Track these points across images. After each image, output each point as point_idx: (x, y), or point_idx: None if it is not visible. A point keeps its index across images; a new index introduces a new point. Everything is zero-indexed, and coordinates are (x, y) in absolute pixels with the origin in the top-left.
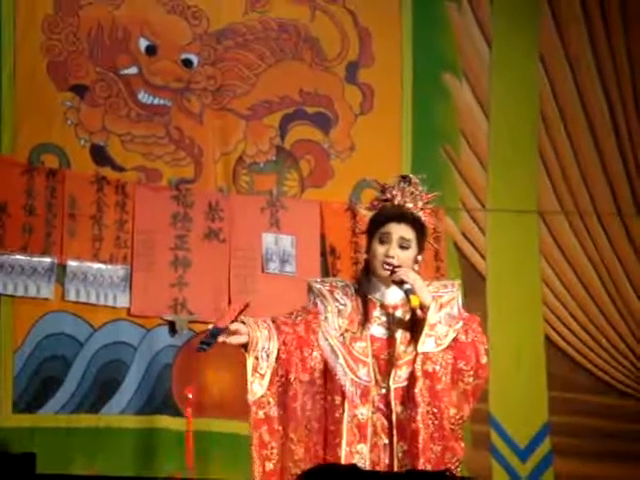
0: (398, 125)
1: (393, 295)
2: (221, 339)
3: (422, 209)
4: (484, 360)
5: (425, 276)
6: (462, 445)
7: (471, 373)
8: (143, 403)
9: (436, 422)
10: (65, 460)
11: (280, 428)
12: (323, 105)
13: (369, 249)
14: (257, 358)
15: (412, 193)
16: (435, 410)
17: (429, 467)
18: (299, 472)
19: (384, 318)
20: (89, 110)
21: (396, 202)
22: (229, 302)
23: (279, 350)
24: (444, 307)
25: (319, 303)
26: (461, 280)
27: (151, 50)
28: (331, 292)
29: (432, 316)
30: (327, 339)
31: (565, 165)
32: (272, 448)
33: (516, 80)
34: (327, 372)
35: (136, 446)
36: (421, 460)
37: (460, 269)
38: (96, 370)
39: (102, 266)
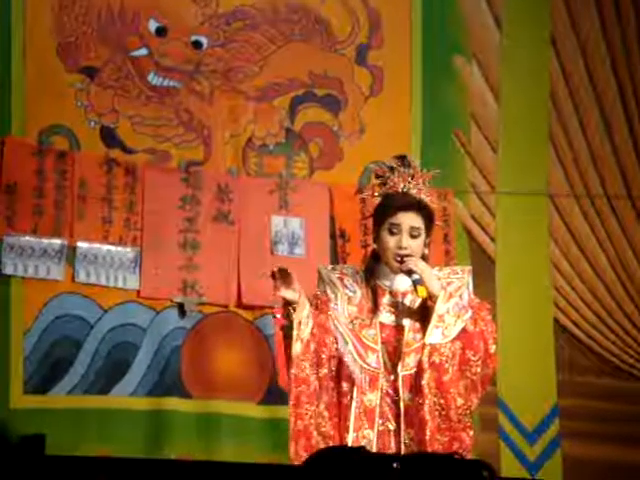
0: (408, 107)
1: (402, 282)
2: (277, 283)
3: (427, 194)
4: (493, 349)
5: (434, 259)
6: (470, 434)
7: (479, 363)
8: (153, 385)
9: (443, 413)
10: (75, 441)
11: (314, 399)
12: (333, 87)
13: (377, 238)
14: (300, 323)
15: (413, 176)
16: (442, 401)
17: None
18: (323, 446)
19: (393, 305)
20: (99, 92)
21: (399, 189)
22: (238, 284)
23: (312, 327)
24: (453, 296)
25: (329, 291)
26: (470, 263)
27: (161, 32)
28: (341, 279)
29: (440, 306)
30: (337, 326)
31: (575, 148)
32: (307, 410)
33: (527, 63)
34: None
35: (145, 428)
36: (428, 449)
37: (469, 252)
38: (106, 352)
39: (112, 248)
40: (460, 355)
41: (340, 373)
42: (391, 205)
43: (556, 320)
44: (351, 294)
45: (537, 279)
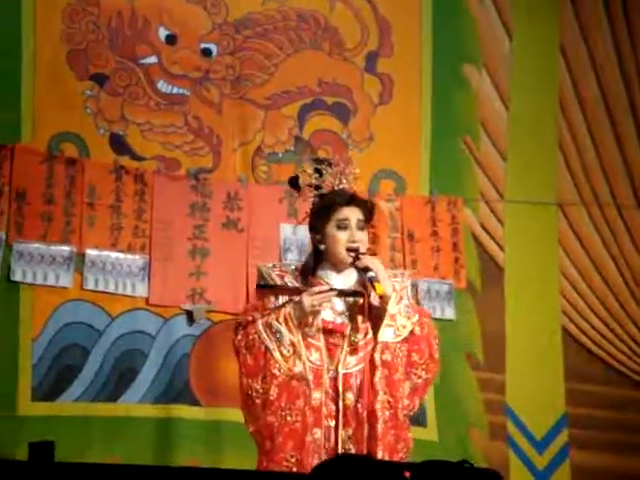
0: (417, 116)
1: (345, 280)
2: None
3: (354, 188)
4: (436, 355)
5: (444, 267)
6: (410, 436)
7: (423, 367)
8: (161, 392)
9: (391, 411)
10: (83, 448)
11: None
12: (342, 95)
13: (323, 236)
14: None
15: (342, 172)
16: (391, 399)
17: (387, 453)
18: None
19: (335, 303)
20: (108, 99)
21: (334, 187)
22: (247, 292)
23: None
24: (403, 298)
25: (268, 291)
26: (479, 271)
27: (171, 39)
28: (281, 277)
29: (393, 307)
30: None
31: (585, 156)
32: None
33: (536, 71)
34: None
35: (154, 435)
36: (380, 447)
37: (478, 260)
38: (114, 359)
39: (121, 255)
40: (406, 357)
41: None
42: (334, 201)
43: (565, 328)
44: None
45: (546, 287)
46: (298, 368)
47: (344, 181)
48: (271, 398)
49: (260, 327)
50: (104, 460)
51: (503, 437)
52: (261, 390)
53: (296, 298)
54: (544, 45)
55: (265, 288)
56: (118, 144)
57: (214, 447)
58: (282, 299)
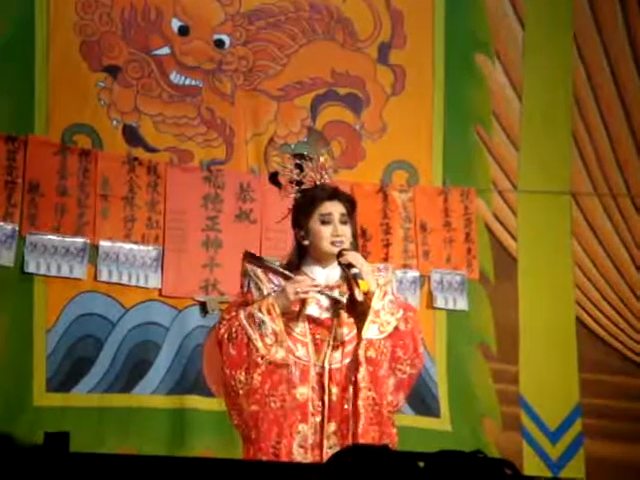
0: (430, 106)
1: (329, 276)
2: None
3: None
4: (421, 350)
5: (457, 258)
6: (394, 432)
7: (408, 362)
8: (174, 383)
9: (376, 408)
10: (97, 439)
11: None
12: (355, 86)
13: (307, 232)
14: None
15: (323, 166)
16: (375, 396)
17: None
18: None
19: (321, 298)
20: (121, 91)
21: (316, 182)
22: None
23: None
24: (387, 294)
25: (252, 286)
26: (492, 261)
27: (183, 31)
28: (265, 273)
29: (377, 303)
30: None
31: (598, 147)
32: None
33: (549, 61)
34: None
35: (167, 426)
36: (360, 442)
37: (491, 251)
38: (128, 350)
39: (134, 247)
40: (391, 353)
41: (272, 368)
42: (317, 196)
43: (578, 318)
44: (277, 288)
45: (559, 278)
46: (280, 355)
47: (325, 176)
48: (254, 387)
49: (242, 318)
50: (118, 451)
51: (516, 428)
52: (244, 380)
53: (279, 286)
54: (557, 34)
55: (254, 259)
56: (131, 135)
57: (228, 438)
58: (266, 287)
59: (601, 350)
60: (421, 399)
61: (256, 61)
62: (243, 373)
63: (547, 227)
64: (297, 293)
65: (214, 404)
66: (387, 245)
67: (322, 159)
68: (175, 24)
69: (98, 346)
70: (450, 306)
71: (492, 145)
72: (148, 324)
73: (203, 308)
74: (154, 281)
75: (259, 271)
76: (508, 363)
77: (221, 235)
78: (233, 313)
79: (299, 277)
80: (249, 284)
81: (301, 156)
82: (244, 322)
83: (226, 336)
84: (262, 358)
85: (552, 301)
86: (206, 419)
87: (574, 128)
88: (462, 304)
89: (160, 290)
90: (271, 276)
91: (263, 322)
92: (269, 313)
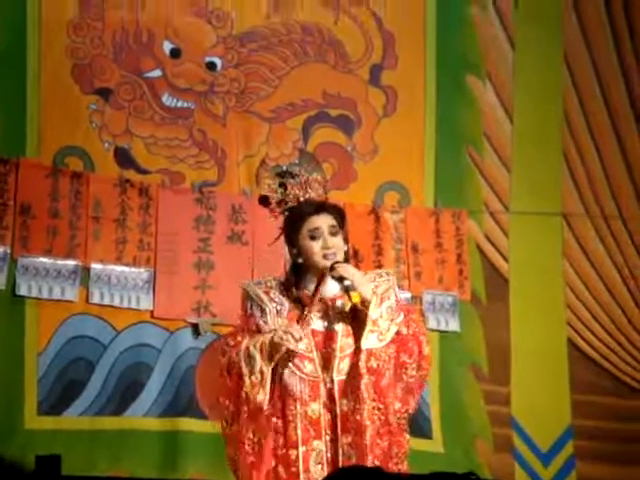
0: (421, 128)
1: (330, 288)
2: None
3: (324, 195)
4: (426, 351)
5: (448, 279)
6: (407, 438)
7: (414, 366)
8: (167, 405)
9: (382, 418)
10: (88, 462)
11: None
12: (346, 108)
13: (299, 249)
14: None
15: (307, 181)
16: (381, 406)
17: (377, 463)
18: None
19: (323, 312)
20: (113, 113)
21: (301, 198)
22: None
23: None
24: (385, 300)
25: (255, 308)
26: (483, 282)
27: (175, 53)
28: (267, 293)
29: (374, 311)
30: None
31: (590, 168)
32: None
33: (540, 82)
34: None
35: (160, 448)
36: (369, 457)
37: (483, 272)
38: (120, 372)
39: (126, 269)
40: (395, 358)
41: (281, 390)
42: (303, 213)
43: (570, 339)
44: (279, 307)
45: (551, 299)
46: (260, 397)
47: (309, 190)
48: (242, 431)
49: (242, 350)
50: (110, 474)
51: (508, 449)
52: (233, 409)
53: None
54: (548, 56)
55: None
56: (123, 158)
57: (220, 461)
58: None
59: (592, 371)
60: (413, 420)
61: (248, 83)
62: (232, 405)
63: (539, 248)
64: (279, 341)
65: (207, 426)
66: (379, 266)
67: (306, 175)
68: (167, 46)
69: (90, 369)
70: (442, 327)
71: (484, 166)
72: (140, 346)
73: (195, 330)
74: (146, 303)
75: (260, 291)
76: (500, 384)
77: (213, 257)
78: (232, 343)
79: (291, 328)
80: (251, 307)
81: (283, 174)
82: (241, 355)
83: (226, 367)
84: (245, 396)
85: (543, 322)
86: (199, 442)
87: (565, 149)
88: (454, 325)
89: (152, 312)
90: (272, 295)
91: (254, 359)
92: (260, 351)
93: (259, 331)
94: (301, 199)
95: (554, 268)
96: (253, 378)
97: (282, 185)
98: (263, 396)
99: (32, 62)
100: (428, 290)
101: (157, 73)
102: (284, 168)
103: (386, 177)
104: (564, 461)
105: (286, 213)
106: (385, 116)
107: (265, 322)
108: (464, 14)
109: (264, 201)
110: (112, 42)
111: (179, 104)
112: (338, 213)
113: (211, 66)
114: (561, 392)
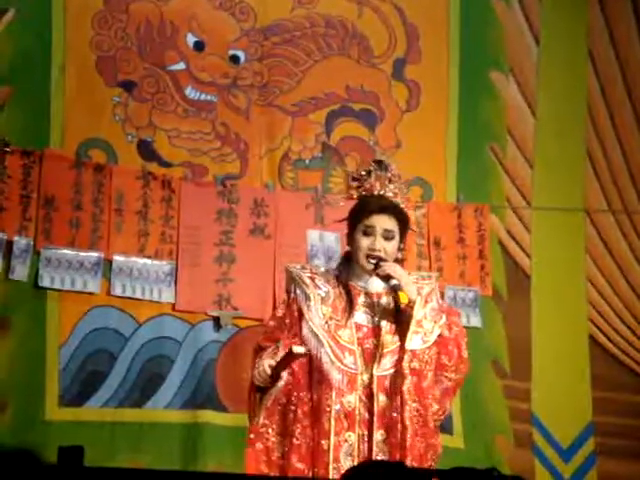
0: (444, 122)
1: (377, 283)
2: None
3: (403, 199)
4: (465, 354)
5: (470, 275)
6: (439, 441)
7: (453, 368)
8: (187, 398)
9: (421, 419)
10: (109, 454)
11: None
12: (369, 102)
13: (351, 239)
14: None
15: (390, 179)
16: (420, 407)
17: (415, 462)
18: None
19: (369, 306)
20: (137, 106)
21: (376, 192)
22: (274, 298)
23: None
24: (428, 302)
25: (299, 291)
26: (505, 278)
27: (199, 46)
28: (312, 279)
29: (418, 312)
30: (312, 328)
31: (613, 163)
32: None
33: (564, 77)
34: (311, 366)
35: (180, 440)
36: (409, 457)
37: (504, 267)
38: (141, 365)
39: (148, 261)
40: (436, 360)
41: (318, 377)
42: (366, 207)
43: (591, 336)
44: (323, 294)
45: (573, 295)
46: (257, 419)
47: (387, 189)
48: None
49: (258, 365)
50: (130, 466)
51: (529, 445)
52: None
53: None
54: (572, 51)
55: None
56: (146, 150)
57: (240, 453)
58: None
59: (614, 368)
60: None
61: (271, 76)
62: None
63: (561, 244)
64: (265, 369)
65: (227, 419)
66: (401, 261)
67: (389, 174)
68: (190, 39)
69: (111, 360)
70: (463, 323)
71: (506, 161)
72: (161, 339)
73: (216, 323)
74: (167, 296)
75: (305, 276)
76: (520, 380)
77: (235, 250)
78: (264, 345)
79: (295, 348)
80: (295, 290)
81: (379, 162)
82: (255, 372)
83: (252, 379)
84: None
85: (565, 318)
86: (219, 434)
87: (588, 145)
88: (475, 321)
89: (173, 305)
90: (317, 281)
91: (263, 376)
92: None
93: (301, 315)
94: (375, 192)
95: (576, 264)
96: (257, 396)
97: (369, 172)
98: (261, 419)
99: (57, 55)
100: (449, 285)
101: (181, 66)
102: (384, 159)
103: (408, 172)
104: (585, 458)
105: (356, 200)
106: (408, 110)
107: (309, 307)
108: (488, 8)
109: (353, 179)
110: (136, 35)
111: (202, 97)
112: (401, 220)
113: (234, 59)
114: (582, 388)
